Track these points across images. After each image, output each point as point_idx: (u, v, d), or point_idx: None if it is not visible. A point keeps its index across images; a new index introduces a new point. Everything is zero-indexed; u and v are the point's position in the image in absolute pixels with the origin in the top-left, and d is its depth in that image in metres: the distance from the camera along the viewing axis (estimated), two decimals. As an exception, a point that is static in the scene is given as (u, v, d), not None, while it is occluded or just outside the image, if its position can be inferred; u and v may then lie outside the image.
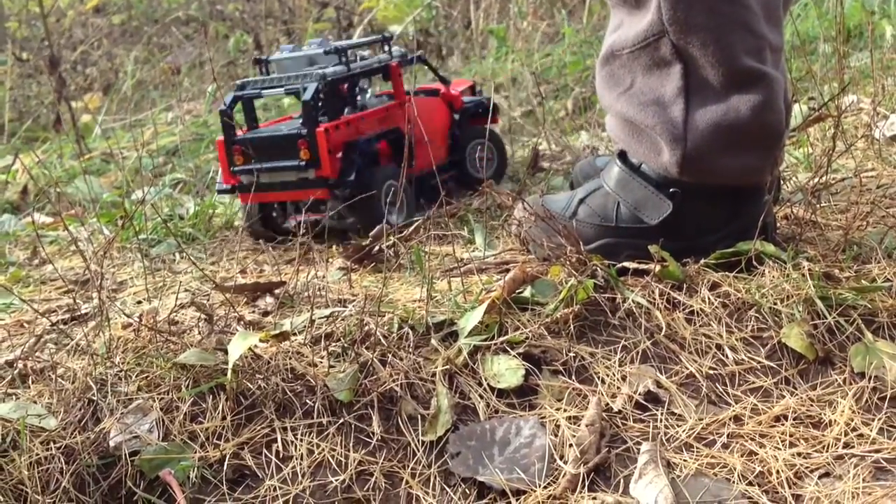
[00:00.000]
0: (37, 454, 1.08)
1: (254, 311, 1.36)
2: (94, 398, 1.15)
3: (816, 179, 1.44)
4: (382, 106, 1.77)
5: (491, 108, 1.70)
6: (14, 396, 1.17)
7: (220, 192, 1.73)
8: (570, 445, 1.08)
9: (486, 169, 1.91)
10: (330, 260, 1.55)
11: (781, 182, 1.53)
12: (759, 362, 1.17)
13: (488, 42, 3.71)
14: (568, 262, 1.28)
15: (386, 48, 1.81)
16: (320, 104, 1.67)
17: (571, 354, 1.19)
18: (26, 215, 2.24)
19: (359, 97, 1.78)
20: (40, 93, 4.19)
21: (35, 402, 1.15)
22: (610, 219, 1.34)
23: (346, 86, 1.76)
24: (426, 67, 1.89)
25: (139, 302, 1.48)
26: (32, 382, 1.21)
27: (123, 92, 4.02)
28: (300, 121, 1.65)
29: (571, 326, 1.21)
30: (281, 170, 1.63)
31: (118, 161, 2.66)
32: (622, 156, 1.36)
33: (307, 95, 1.61)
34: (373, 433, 1.12)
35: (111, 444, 1.09)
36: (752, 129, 1.26)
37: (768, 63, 1.28)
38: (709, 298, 1.24)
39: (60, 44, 4.51)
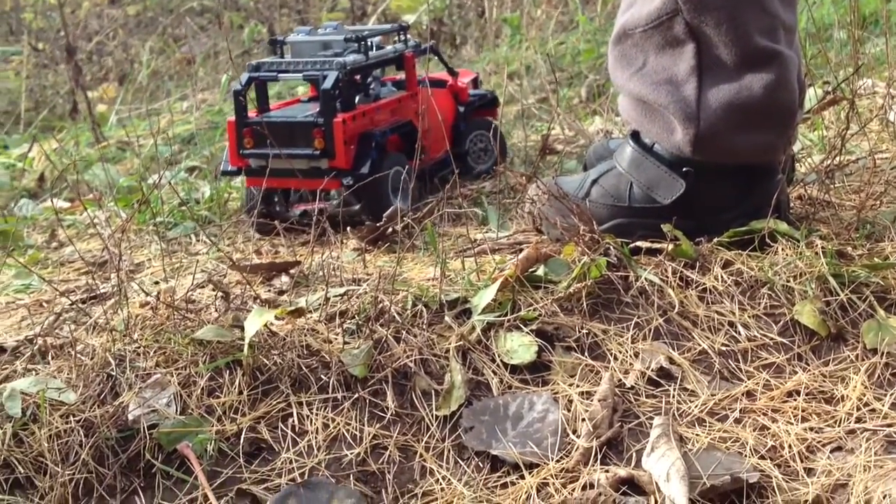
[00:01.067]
0: (56, 427, 1.09)
1: (269, 290, 1.38)
2: (113, 373, 1.16)
3: (830, 160, 1.44)
4: (395, 97, 1.75)
5: (494, 101, 1.70)
6: (34, 372, 1.19)
7: (225, 173, 1.70)
8: (583, 420, 1.09)
9: (486, 161, 1.88)
10: (344, 241, 1.56)
11: (795, 163, 1.54)
12: (771, 339, 1.18)
13: (502, 31, 3.71)
14: (581, 241, 1.28)
15: (401, 37, 1.80)
16: (338, 93, 1.63)
17: (584, 331, 1.20)
18: (44, 200, 2.26)
19: (373, 86, 1.77)
20: (56, 82, 4.22)
21: (55, 378, 1.17)
22: (623, 199, 1.35)
23: (359, 74, 1.75)
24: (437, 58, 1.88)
25: (156, 282, 1.50)
26: (52, 358, 1.22)
27: (139, 82, 4.04)
28: (314, 107, 1.63)
29: (584, 304, 1.22)
30: (293, 156, 1.59)
31: (134, 148, 2.68)
32: (635, 136, 1.36)
33: (327, 84, 1.57)
34: (387, 408, 1.13)
35: (130, 417, 1.11)
36: (766, 108, 1.26)
37: (782, 42, 1.28)
38: (721, 276, 1.25)
39: (76, 34, 4.54)
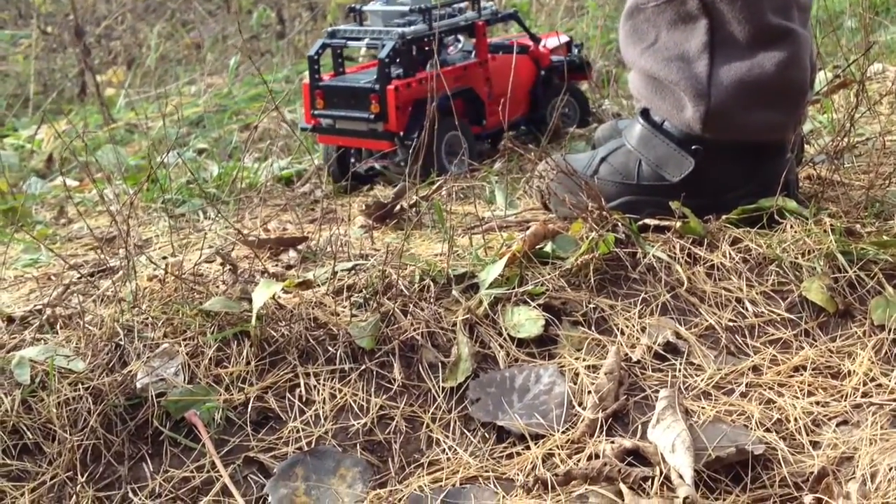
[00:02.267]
0: (65, 395, 1.10)
1: (277, 265, 1.38)
2: (122, 343, 1.17)
3: (839, 140, 1.44)
4: (461, 64, 1.79)
5: (582, 66, 1.78)
6: (43, 341, 1.20)
7: (303, 129, 1.84)
8: (589, 393, 1.09)
9: (569, 124, 1.96)
10: (352, 219, 1.56)
11: (805, 144, 1.53)
12: (778, 315, 1.18)
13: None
14: (590, 218, 1.28)
15: (476, 5, 1.84)
16: (397, 60, 1.73)
17: (591, 306, 1.20)
18: (53, 179, 2.27)
19: (451, 49, 1.83)
20: (65, 66, 4.22)
21: (63, 347, 1.17)
22: (631, 176, 1.35)
23: (422, 43, 1.79)
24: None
25: (164, 257, 1.50)
26: (61, 328, 1.23)
27: (147, 66, 4.05)
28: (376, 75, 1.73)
29: (592, 279, 1.22)
30: (354, 119, 1.73)
31: (143, 130, 2.68)
32: (644, 113, 1.36)
33: (383, 53, 1.68)
34: (394, 379, 1.13)
35: (138, 385, 1.11)
36: (777, 86, 1.26)
37: (796, 21, 1.28)
38: (730, 253, 1.24)
39: (84, 19, 4.54)
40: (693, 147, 1.30)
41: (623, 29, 1.34)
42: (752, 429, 1.03)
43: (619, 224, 1.27)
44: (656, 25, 1.29)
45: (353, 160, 1.82)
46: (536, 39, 1.93)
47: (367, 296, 1.22)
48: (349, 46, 1.79)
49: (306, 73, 1.92)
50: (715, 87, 1.26)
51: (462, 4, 1.84)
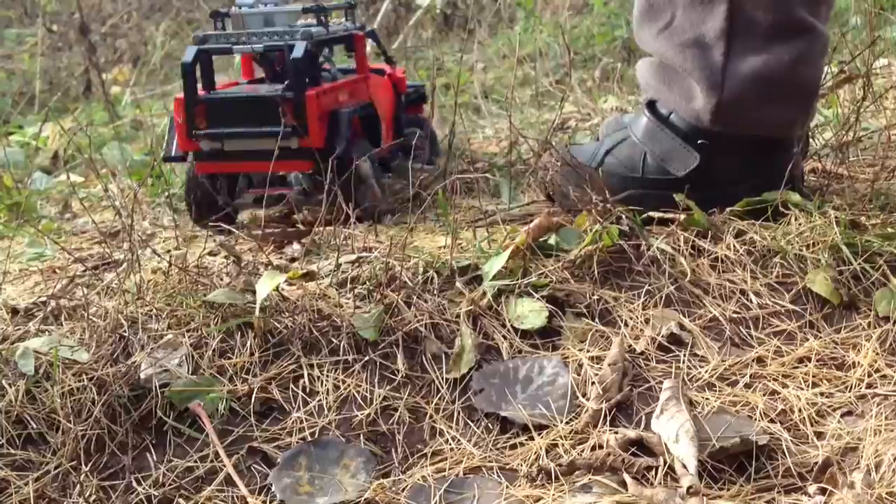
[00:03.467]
0: (69, 385, 1.10)
1: (281, 257, 1.38)
2: (126, 334, 1.17)
3: (844, 133, 1.43)
4: (351, 78, 1.58)
5: (424, 97, 1.63)
6: (47, 332, 1.20)
7: (169, 159, 1.52)
8: (593, 383, 1.09)
9: (420, 158, 1.67)
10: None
11: (810, 138, 1.53)
12: (783, 307, 1.18)
13: (516, 14, 3.71)
14: (594, 210, 1.28)
15: (349, 16, 1.63)
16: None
17: (595, 298, 1.20)
18: (58, 175, 2.28)
19: (328, 67, 1.58)
20: (70, 64, 4.23)
21: (67, 338, 1.17)
22: (636, 170, 1.34)
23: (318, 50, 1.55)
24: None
25: (168, 251, 1.50)
26: (65, 320, 1.23)
27: (153, 64, 4.05)
28: (269, 87, 1.47)
29: (595, 271, 1.22)
30: (257, 136, 1.43)
31: (148, 127, 2.68)
32: (651, 106, 1.36)
33: (297, 53, 1.41)
34: (397, 370, 1.13)
35: (142, 376, 1.12)
36: (791, 82, 1.25)
37: (821, 17, 1.26)
38: (734, 245, 1.24)
39: (90, 17, 4.55)
40: (699, 142, 1.29)
41: (639, 5, 1.30)
42: (756, 419, 1.03)
43: (623, 216, 1.27)
44: (673, 3, 1.26)
45: (220, 190, 1.51)
46: (392, 62, 1.73)
47: (371, 287, 1.22)
48: (235, 52, 1.49)
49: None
50: (729, 79, 1.24)
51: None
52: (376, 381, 1.12)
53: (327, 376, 1.13)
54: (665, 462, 0.98)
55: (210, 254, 1.38)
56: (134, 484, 1.04)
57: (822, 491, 0.93)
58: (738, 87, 1.24)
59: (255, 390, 1.11)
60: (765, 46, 1.23)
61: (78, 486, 1.03)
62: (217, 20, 1.54)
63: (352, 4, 1.64)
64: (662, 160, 1.32)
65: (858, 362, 1.09)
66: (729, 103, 1.25)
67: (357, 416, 1.09)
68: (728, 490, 0.96)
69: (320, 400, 1.10)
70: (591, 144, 1.44)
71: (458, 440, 1.06)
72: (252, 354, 1.14)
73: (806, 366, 1.10)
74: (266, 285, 1.17)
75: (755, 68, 1.24)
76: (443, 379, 1.12)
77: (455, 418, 1.08)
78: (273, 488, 1.01)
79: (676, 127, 1.31)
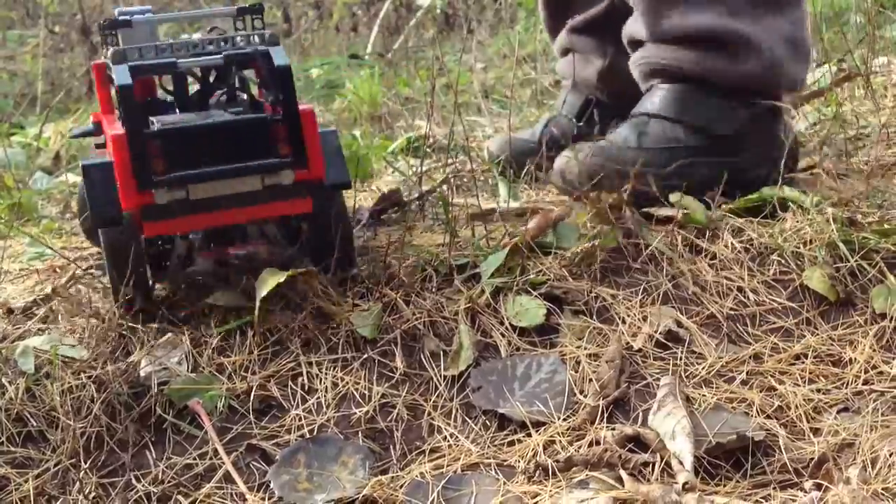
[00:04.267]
0: (69, 383, 1.11)
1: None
2: (125, 333, 1.18)
3: (842, 130, 1.44)
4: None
5: None
6: (48, 331, 1.20)
7: (104, 223, 1.12)
8: (590, 381, 1.09)
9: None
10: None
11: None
12: (780, 304, 1.18)
13: (517, 14, 3.71)
14: (605, 207, 1.27)
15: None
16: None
17: (593, 295, 1.20)
18: (59, 175, 2.28)
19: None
20: (72, 65, 4.24)
21: (67, 337, 1.18)
22: (680, 140, 1.35)
23: None
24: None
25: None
26: (63, 318, 1.23)
27: (154, 65, 4.06)
28: (218, 113, 1.15)
29: (594, 269, 1.23)
30: (238, 175, 1.11)
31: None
32: (681, 78, 1.37)
33: (282, 60, 1.11)
34: (396, 368, 1.14)
35: (141, 374, 1.12)
36: (805, 42, 1.35)
37: None
38: (731, 243, 1.25)
39: (92, 18, 4.56)
40: (739, 102, 1.33)
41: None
42: (752, 416, 1.03)
43: (627, 214, 1.26)
44: None
45: (157, 255, 1.20)
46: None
47: (370, 286, 1.23)
48: (180, 67, 1.13)
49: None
50: (767, 41, 1.32)
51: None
52: (375, 378, 1.13)
53: (326, 374, 1.13)
54: (662, 458, 0.98)
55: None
56: (133, 481, 1.04)
57: (818, 486, 0.93)
58: (776, 48, 1.33)
59: (254, 388, 1.11)
60: (786, 10, 1.34)
61: (77, 483, 1.04)
62: (109, 32, 1.19)
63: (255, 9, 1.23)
64: (706, 124, 1.33)
65: (855, 359, 1.09)
66: (770, 64, 1.33)
67: (355, 413, 1.09)
68: (724, 486, 0.96)
69: (319, 397, 1.11)
70: (621, 131, 1.40)
71: (456, 437, 1.06)
72: (251, 352, 1.15)
73: (803, 362, 1.10)
74: (266, 284, 1.17)
75: (786, 30, 1.33)
76: (441, 376, 1.13)
77: (453, 415, 1.09)
78: (272, 485, 1.02)
79: (716, 90, 1.34)
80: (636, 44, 1.42)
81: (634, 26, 1.41)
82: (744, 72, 1.33)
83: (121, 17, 1.19)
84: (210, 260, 1.22)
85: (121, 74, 1.08)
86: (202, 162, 1.10)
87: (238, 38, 1.16)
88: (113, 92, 1.19)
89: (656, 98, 1.37)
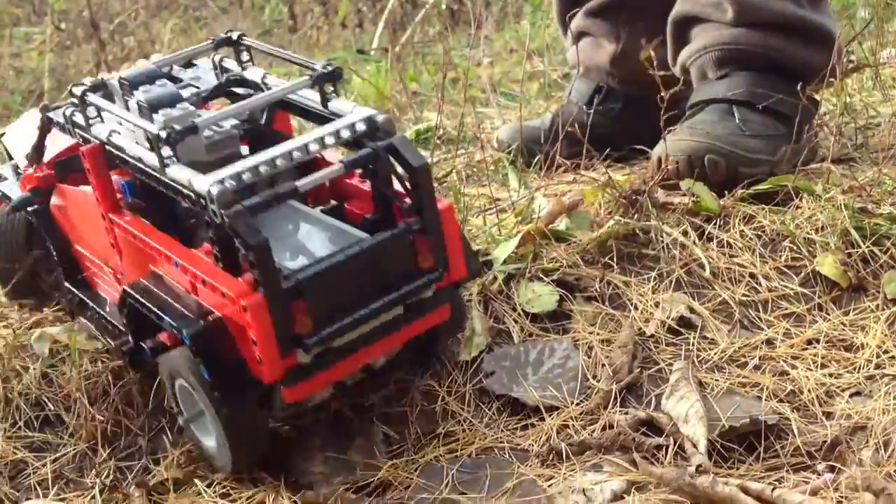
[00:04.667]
0: (86, 369, 1.11)
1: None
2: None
3: (853, 119, 1.44)
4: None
5: None
6: (66, 321, 1.21)
7: (235, 399, 0.91)
8: (603, 365, 1.10)
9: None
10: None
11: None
12: (792, 290, 1.18)
13: (523, 9, 3.71)
14: (620, 195, 1.27)
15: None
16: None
17: (605, 282, 1.20)
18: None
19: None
20: (78, 62, 4.25)
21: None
22: (779, 128, 1.36)
23: None
24: None
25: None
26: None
27: (161, 61, 4.06)
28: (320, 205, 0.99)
29: (607, 255, 1.23)
30: (389, 307, 0.92)
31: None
32: (763, 66, 1.38)
33: (415, 160, 0.90)
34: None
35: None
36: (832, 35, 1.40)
37: None
38: (743, 230, 1.25)
39: (98, 15, 4.57)
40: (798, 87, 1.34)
41: None
42: (765, 400, 1.04)
43: (641, 202, 1.26)
44: None
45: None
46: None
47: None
48: (302, 188, 0.89)
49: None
50: (836, 31, 1.39)
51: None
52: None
53: (340, 360, 1.13)
54: (675, 442, 0.99)
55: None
56: (150, 465, 1.05)
57: (831, 469, 0.94)
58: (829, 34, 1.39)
59: (269, 374, 1.12)
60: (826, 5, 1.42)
61: (94, 467, 1.05)
62: (164, 142, 0.88)
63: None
64: (788, 112, 1.35)
65: (867, 343, 1.10)
66: (838, 54, 1.37)
67: (371, 397, 1.10)
68: (737, 469, 0.97)
69: (333, 382, 1.11)
70: (713, 122, 1.38)
71: (470, 421, 1.07)
72: (265, 338, 1.15)
73: (815, 347, 1.10)
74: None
75: (830, 19, 1.42)
76: (454, 361, 1.13)
77: (467, 400, 1.09)
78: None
79: (795, 77, 1.35)
80: (696, 26, 1.42)
81: (696, 7, 1.41)
82: (821, 61, 1.37)
83: (177, 123, 0.87)
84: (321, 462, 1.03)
85: (251, 233, 0.83)
86: (344, 300, 0.89)
87: (343, 131, 0.91)
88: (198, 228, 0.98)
89: (744, 85, 1.37)
